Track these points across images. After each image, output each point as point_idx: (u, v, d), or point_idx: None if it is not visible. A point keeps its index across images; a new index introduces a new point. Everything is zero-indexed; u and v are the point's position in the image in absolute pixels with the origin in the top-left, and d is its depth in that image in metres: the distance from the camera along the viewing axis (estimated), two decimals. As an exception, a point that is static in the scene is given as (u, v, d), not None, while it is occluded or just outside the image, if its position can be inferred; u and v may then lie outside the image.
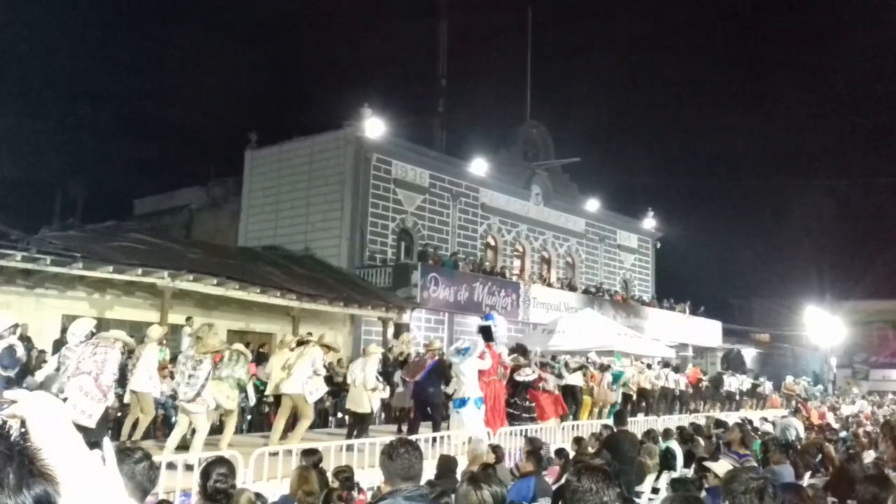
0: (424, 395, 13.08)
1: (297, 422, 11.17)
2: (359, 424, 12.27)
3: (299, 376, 10.91)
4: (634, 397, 19.80)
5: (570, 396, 16.70)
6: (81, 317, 15.67)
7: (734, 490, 3.41)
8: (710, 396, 25.54)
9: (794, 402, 26.97)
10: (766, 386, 31.14)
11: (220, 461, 4.63)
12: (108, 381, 8.69)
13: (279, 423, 11.14)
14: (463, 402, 12.70)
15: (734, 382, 27.68)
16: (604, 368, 18.78)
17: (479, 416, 12.72)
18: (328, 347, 12.55)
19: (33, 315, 14.42)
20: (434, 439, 11.06)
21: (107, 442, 1.31)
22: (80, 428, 6.98)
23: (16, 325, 9.72)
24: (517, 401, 14.91)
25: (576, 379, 17.21)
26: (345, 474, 6.95)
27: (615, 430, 10.21)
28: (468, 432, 11.57)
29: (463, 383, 12.82)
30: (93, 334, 9.31)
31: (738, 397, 27.41)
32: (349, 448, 9.94)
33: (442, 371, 13.56)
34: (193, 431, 9.77)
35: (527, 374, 15.25)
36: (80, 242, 15.87)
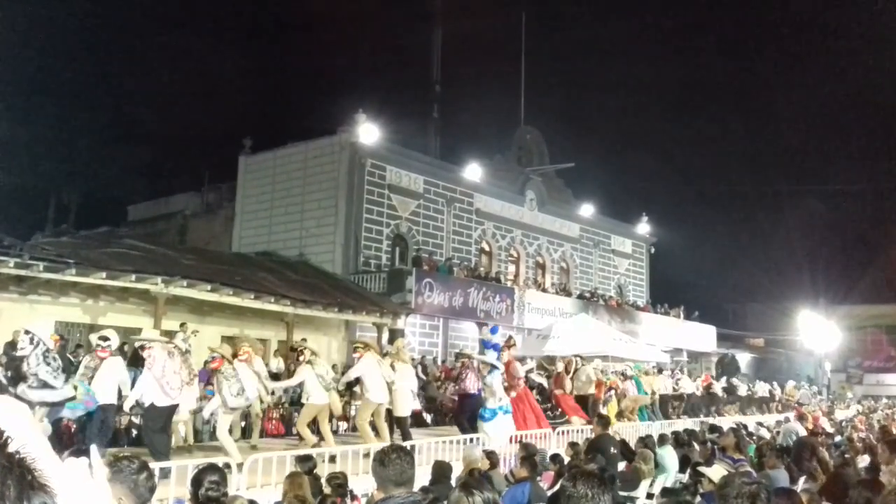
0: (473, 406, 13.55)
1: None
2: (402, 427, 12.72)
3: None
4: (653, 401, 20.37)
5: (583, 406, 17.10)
6: (75, 324, 15.77)
7: (727, 495, 3.41)
8: (724, 402, 25.71)
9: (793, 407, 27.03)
10: (780, 390, 31.28)
11: (212, 469, 4.61)
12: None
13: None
14: (494, 413, 13.14)
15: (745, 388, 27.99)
16: (625, 377, 19.24)
17: (506, 423, 13.03)
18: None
19: (26, 322, 14.35)
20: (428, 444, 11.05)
21: (94, 449, 1.31)
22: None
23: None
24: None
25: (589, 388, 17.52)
26: (337, 480, 6.94)
27: (597, 434, 10.33)
28: (497, 440, 11.87)
29: (492, 395, 13.32)
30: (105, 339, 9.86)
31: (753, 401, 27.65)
32: (354, 453, 9.96)
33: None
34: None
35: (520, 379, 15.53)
36: (73, 249, 15.81)
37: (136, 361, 12.04)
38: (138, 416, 11.20)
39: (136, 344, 10.33)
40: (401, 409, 12.50)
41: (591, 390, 17.59)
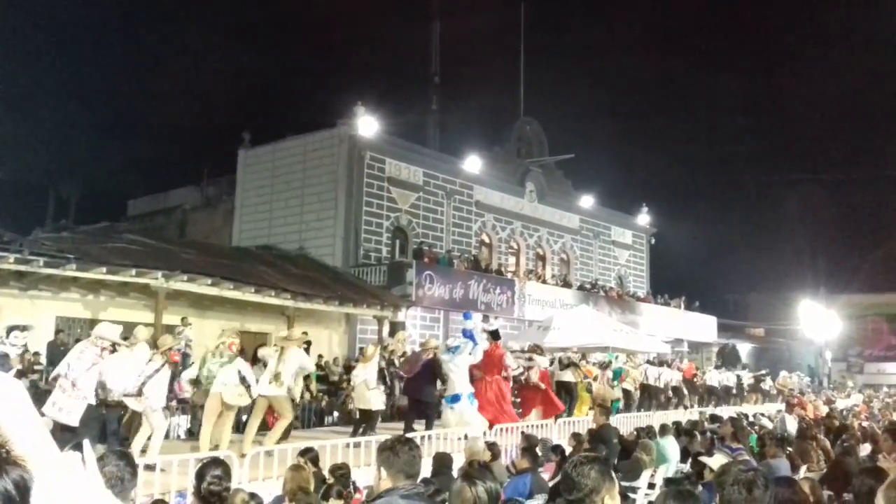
0: (419, 392, 13.18)
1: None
2: (366, 422, 12.51)
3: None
4: (638, 393, 20.16)
5: (565, 392, 16.80)
6: (76, 318, 15.74)
7: (724, 482, 3.44)
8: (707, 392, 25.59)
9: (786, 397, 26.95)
10: (768, 381, 31.18)
11: (216, 462, 4.61)
12: (82, 379, 8.72)
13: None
14: (456, 399, 12.89)
15: (731, 378, 27.75)
16: (604, 366, 18.99)
17: (474, 410, 12.88)
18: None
19: (27, 317, 14.37)
20: (428, 437, 11.08)
21: (86, 444, 1.32)
22: (65, 427, 6.93)
23: (9, 329, 9.69)
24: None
25: (567, 375, 17.31)
26: (341, 471, 6.96)
27: (600, 424, 10.33)
28: (467, 427, 11.74)
29: (454, 380, 13.04)
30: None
31: (734, 392, 27.45)
32: (356, 445, 10.01)
33: (434, 370, 13.58)
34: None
35: (512, 370, 15.33)
36: (73, 244, 15.80)
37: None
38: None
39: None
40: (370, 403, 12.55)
41: (570, 377, 17.39)
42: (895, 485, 2.54)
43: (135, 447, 9.22)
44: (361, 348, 17.07)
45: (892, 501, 2.43)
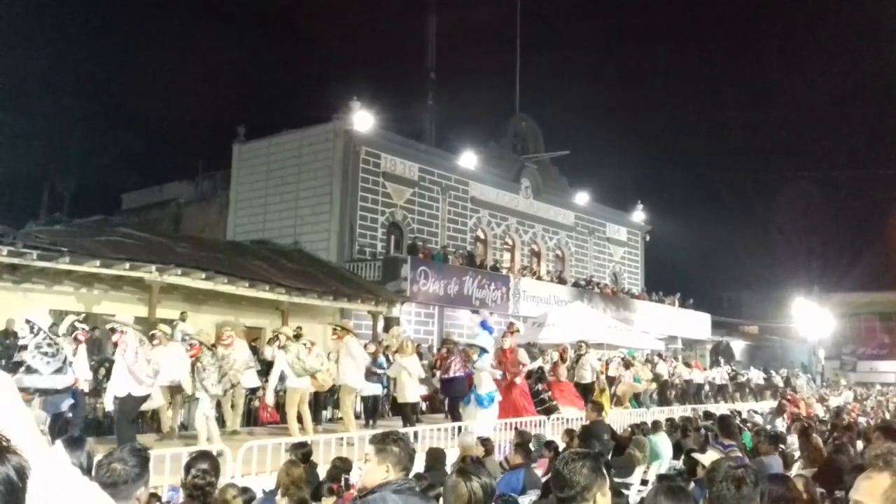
0: (456, 390, 13.71)
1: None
2: (410, 414, 13.31)
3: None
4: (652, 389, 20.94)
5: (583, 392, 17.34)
6: (69, 312, 15.71)
7: (714, 478, 3.45)
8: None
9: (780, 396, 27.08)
10: (776, 378, 31.42)
11: (203, 456, 4.59)
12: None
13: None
14: (480, 399, 13.22)
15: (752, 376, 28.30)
16: (627, 365, 19.58)
17: (490, 412, 13.09)
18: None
19: (21, 310, 14.30)
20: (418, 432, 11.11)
21: (58, 443, 1.42)
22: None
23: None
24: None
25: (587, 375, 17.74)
26: (337, 465, 6.95)
27: (591, 420, 10.37)
28: (481, 427, 11.95)
29: (482, 380, 13.36)
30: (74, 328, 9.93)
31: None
32: (349, 442, 10.04)
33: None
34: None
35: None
36: (66, 237, 15.74)
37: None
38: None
39: (107, 327, 10.66)
40: (405, 395, 13.03)
41: (591, 379, 17.65)
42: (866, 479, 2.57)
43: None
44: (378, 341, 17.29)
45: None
